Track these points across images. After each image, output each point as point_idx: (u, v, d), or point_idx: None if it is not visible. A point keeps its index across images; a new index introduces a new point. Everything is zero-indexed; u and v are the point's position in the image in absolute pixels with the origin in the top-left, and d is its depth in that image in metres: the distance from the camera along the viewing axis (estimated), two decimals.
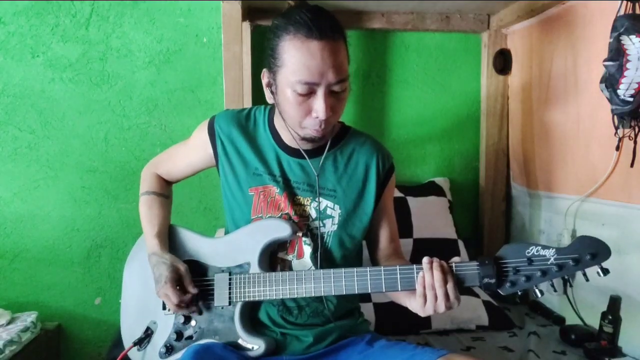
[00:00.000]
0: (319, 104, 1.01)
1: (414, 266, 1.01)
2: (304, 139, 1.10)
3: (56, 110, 1.89)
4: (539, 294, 0.97)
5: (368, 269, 1.04)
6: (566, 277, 0.94)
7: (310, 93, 1.01)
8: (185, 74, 1.95)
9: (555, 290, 0.97)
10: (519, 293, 0.97)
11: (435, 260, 0.98)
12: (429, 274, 0.97)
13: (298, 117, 1.04)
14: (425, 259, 0.99)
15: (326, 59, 0.98)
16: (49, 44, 1.87)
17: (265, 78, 1.09)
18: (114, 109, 1.93)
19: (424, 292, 0.97)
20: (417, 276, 0.99)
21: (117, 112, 1.93)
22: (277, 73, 1.03)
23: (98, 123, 1.92)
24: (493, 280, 0.95)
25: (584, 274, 0.94)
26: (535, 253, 0.95)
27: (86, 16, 1.88)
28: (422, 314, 1.00)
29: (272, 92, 1.08)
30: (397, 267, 1.02)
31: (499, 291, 0.97)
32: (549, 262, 0.94)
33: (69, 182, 1.93)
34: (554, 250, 0.94)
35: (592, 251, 0.92)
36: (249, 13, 1.89)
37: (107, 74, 1.91)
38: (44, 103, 1.89)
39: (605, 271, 0.91)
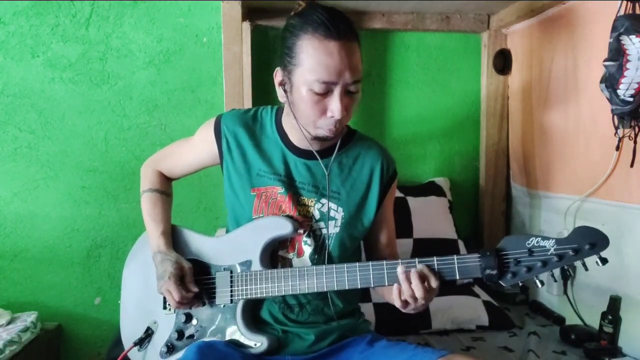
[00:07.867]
0: (334, 103, 1.01)
1: (416, 260, 1.02)
2: (315, 138, 1.10)
3: (56, 110, 1.89)
4: (539, 284, 0.99)
5: (370, 263, 1.04)
6: (566, 267, 0.96)
7: (326, 92, 1.01)
8: (185, 74, 1.95)
9: (555, 280, 0.99)
10: (520, 284, 0.99)
11: (413, 272, 0.99)
12: (405, 284, 0.99)
13: (313, 117, 1.05)
14: (399, 269, 1.00)
15: (344, 58, 0.99)
16: (49, 44, 1.87)
17: (278, 77, 1.09)
18: (114, 109, 1.93)
19: (402, 299, 1.01)
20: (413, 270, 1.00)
21: (117, 112, 1.93)
22: (292, 72, 1.03)
23: (98, 123, 1.92)
24: (495, 272, 0.97)
25: (583, 264, 0.96)
26: (536, 244, 0.96)
27: (86, 16, 1.88)
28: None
29: (285, 91, 1.08)
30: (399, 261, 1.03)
31: (501, 282, 0.98)
32: (549, 253, 0.95)
33: (69, 182, 1.92)
34: (553, 241, 0.95)
35: (591, 241, 0.93)
36: (249, 13, 1.89)
37: (107, 74, 1.91)
38: (44, 103, 1.88)
39: (604, 260, 0.92)
